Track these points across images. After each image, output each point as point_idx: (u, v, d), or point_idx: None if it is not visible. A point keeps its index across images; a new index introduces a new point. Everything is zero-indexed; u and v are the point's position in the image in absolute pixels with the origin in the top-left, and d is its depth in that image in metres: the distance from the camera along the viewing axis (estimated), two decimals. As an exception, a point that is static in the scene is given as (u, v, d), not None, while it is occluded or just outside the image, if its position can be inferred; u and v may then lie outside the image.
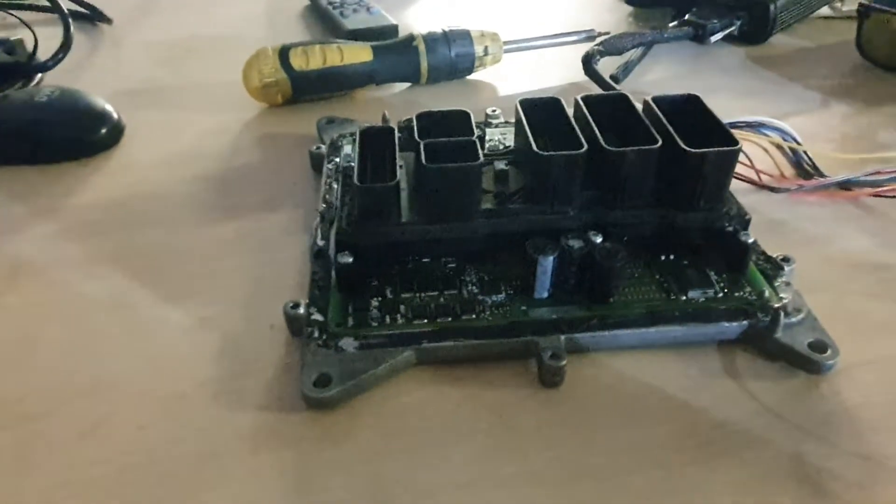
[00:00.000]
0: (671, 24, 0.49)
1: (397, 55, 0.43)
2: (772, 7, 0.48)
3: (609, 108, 0.28)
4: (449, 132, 0.27)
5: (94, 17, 0.56)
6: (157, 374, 0.24)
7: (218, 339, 0.26)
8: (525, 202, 0.27)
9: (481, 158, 0.25)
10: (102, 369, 0.25)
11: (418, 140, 0.26)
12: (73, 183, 0.36)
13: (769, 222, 0.30)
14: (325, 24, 0.54)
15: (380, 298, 0.26)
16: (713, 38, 0.48)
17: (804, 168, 0.34)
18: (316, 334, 0.24)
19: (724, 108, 0.28)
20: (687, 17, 0.49)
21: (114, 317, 0.27)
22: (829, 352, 0.23)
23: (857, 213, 0.32)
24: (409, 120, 0.29)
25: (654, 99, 0.28)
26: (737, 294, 0.25)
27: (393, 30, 0.50)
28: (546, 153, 0.25)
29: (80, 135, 0.38)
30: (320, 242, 0.28)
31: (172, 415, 0.23)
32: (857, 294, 0.27)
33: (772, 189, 0.33)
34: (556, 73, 0.45)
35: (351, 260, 0.25)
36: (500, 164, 0.28)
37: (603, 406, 0.23)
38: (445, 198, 0.25)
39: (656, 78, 0.46)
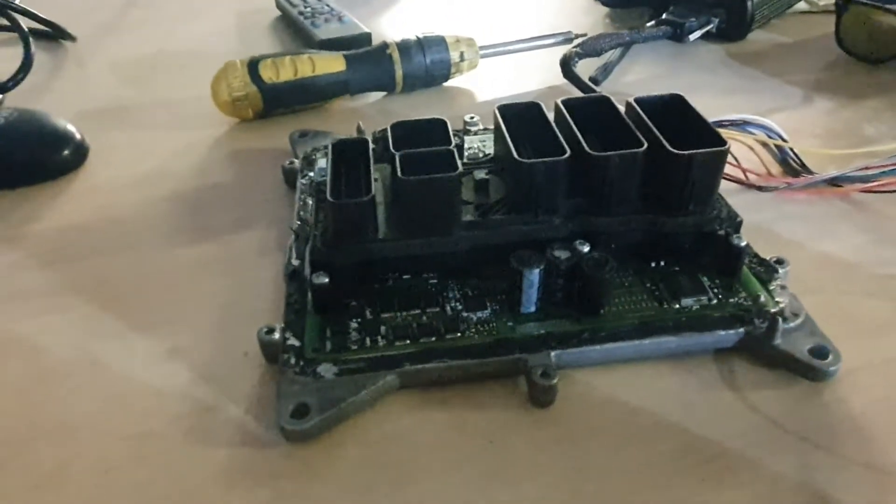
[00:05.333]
0: (649, 24, 0.48)
1: (371, 64, 0.41)
2: (749, 3, 0.47)
3: (591, 111, 0.27)
4: (425, 142, 0.26)
5: (57, 35, 0.54)
6: (124, 412, 0.23)
7: (188, 370, 0.24)
8: (508, 212, 0.25)
9: (460, 168, 0.24)
10: (64, 410, 0.23)
11: (393, 151, 0.25)
12: (33, 208, 0.34)
13: (759, 223, 0.29)
14: (297, 35, 0.53)
15: (359, 320, 0.24)
16: (691, 37, 0.48)
17: (791, 165, 0.34)
18: (292, 361, 0.23)
19: (707, 106, 0.27)
20: (664, 16, 0.48)
21: (76, 351, 0.25)
22: (830, 357, 0.22)
23: (848, 210, 0.31)
24: (384, 130, 0.28)
25: (637, 100, 0.27)
26: (731, 300, 0.24)
27: (366, 38, 0.49)
28: (527, 160, 0.24)
29: (40, 157, 0.36)
30: (295, 262, 0.27)
31: (141, 455, 0.21)
32: (854, 294, 0.26)
33: (759, 188, 0.32)
34: (535, 77, 0.45)
35: (327, 280, 0.24)
36: (481, 174, 0.27)
37: (598, 425, 0.22)
38: (424, 211, 0.24)
39: (636, 78, 0.45)
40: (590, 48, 0.44)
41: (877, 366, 0.23)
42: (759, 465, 0.20)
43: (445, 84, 0.44)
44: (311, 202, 0.30)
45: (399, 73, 0.42)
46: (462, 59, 0.43)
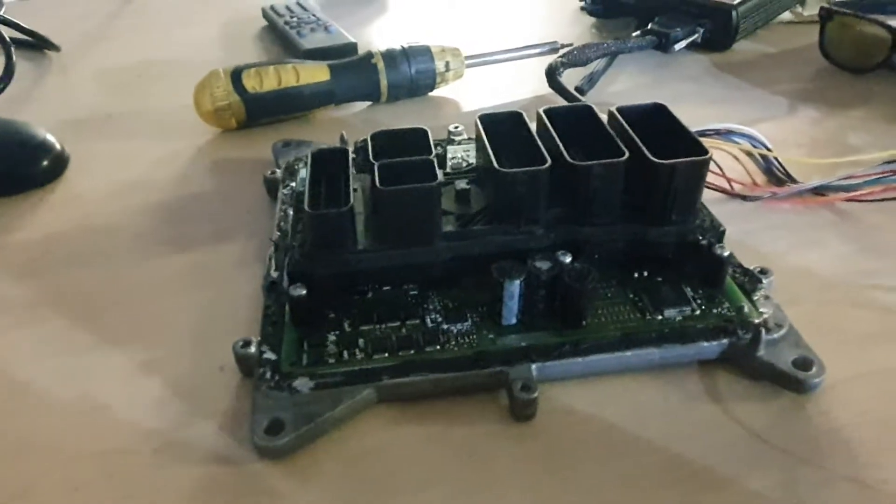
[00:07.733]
0: (634, 34, 0.48)
1: (356, 74, 0.41)
2: (734, 14, 0.48)
3: (573, 120, 0.27)
4: (406, 151, 0.26)
5: (41, 45, 0.54)
6: (94, 429, 0.22)
7: (162, 384, 0.24)
8: (489, 223, 0.25)
9: (440, 178, 0.23)
10: (31, 426, 0.22)
11: (373, 161, 0.24)
12: (10, 219, 0.33)
13: (743, 232, 0.29)
14: (283, 44, 0.52)
15: (337, 332, 0.24)
16: (677, 47, 0.48)
17: (776, 174, 0.33)
18: (268, 375, 0.22)
19: (692, 115, 0.27)
20: (650, 26, 0.48)
21: (47, 366, 0.25)
22: (814, 369, 0.22)
23: (833, 219, 0.31)
24: (365, 140, 0.27)
25: (620, 109, 0.27)
26: (715, 311, 0.24)
27: (351, 48, 0.48)
28: (508, 170, 0.23)
29: (18, 167, 0.36)
30: (274, 274, 0.26)
31: (111, 474, 0.21)
32: (839, 304, 0.26)
33: (744, 197, 0.32)
34: (521, 87, 0.44)
35: (304, 292, 0.23)
36: (462, 184, 0.27)
37: (580, 439, 0.21)
38: (403, 221, 0.24)
39: (622, 88, 0.45)
40: (575, 58, 0.44)
41: (862, 377, 0.23)
42: (742, 478, 0.20)
43: (431, 94, 0.44)
44: (291, 213, 0.30)
45: (384, 82, 0.41)
46: (447, 68, 0.43)
